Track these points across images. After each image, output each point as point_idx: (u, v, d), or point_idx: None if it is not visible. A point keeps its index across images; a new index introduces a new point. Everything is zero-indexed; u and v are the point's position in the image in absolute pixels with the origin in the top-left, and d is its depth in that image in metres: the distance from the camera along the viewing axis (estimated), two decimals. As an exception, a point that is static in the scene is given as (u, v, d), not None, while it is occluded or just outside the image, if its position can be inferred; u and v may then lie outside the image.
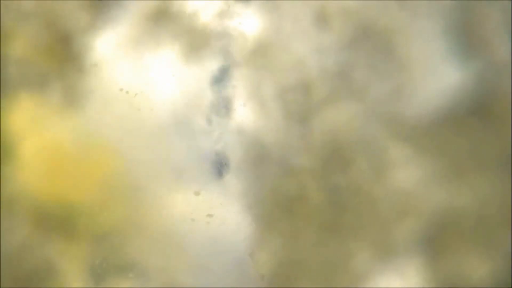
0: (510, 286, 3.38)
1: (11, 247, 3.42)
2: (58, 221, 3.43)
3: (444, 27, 3.52)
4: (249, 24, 3.54)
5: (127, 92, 3.49)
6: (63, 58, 3.53)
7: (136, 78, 3.51)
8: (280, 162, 3.46)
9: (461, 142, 3.46)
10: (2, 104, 3.49)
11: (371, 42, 3.51)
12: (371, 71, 3.50)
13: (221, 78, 3.49)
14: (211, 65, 3.51)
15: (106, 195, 3.43)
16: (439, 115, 3.47)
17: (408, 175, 3.45)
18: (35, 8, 3.55)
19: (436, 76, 3.48)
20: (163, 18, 3.56)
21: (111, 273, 3.42)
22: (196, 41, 3.53)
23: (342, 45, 3.53)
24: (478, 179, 3.44)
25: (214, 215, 3.43)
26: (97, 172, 3.44)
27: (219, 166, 3.43)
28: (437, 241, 3.41)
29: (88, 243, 3.42)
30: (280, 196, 3.45)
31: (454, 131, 3.47)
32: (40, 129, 3.48)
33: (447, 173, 3.45)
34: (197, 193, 3.43)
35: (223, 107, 3.48)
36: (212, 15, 3.55)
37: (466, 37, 3.52)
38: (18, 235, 3.43)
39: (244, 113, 3.49)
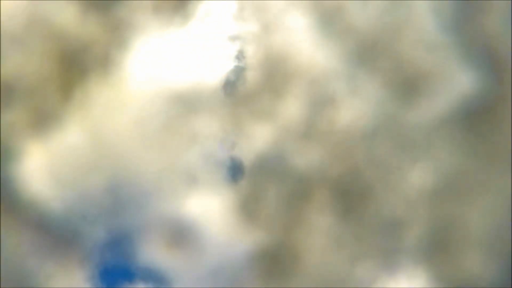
0: (510, 286, 3.46)
1: (13, 250, 3.34)
2: (65, 226, 3.36)
3: (445, 27, 3.55)
4: (262, 28, 3.52)
5: (137, 95, 3.42)
6: (68, 60, 3.44)
7: (147, 81, 3.44)
8: (292, 167, 3.46)
9: (465, 145, 3.52)
10: (2, 106, 3.38)
11: (375, 45, 3.53)
12: (376, 73, 3.52)
13: (234, 80, 3.46)
14: (224, 68, 3.47)
15: (118, 200, 3.37)
16: (444, 119, 3.52)
17: (412, 178, 3.49)
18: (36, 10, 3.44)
19: (440, 77, 3.52)
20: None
21: (121, 279, 3.38)
22: (209, 42, 3.48)
23: (349, 49, 3.54)
24: (482, 182, 3.51)
25: (228, 220, 3.41)
26: (107, 177, 3.37)
27: (234, 172, 3.41)
28: (442, 245, 3.47)
29: (98, 249, 3.37)
30: (290, 201, 3.45)
31: (458, 134, 3.52)
32: (45, 132, 3.39)
33: (451, 175, 3.50)
34: (211, 198, 3.40)
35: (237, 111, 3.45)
36: (226, 17, 3.51)
37: (467, 38, 3.56)
38: (20, 238, 3.35)
39: (257, 117, 3.47)
